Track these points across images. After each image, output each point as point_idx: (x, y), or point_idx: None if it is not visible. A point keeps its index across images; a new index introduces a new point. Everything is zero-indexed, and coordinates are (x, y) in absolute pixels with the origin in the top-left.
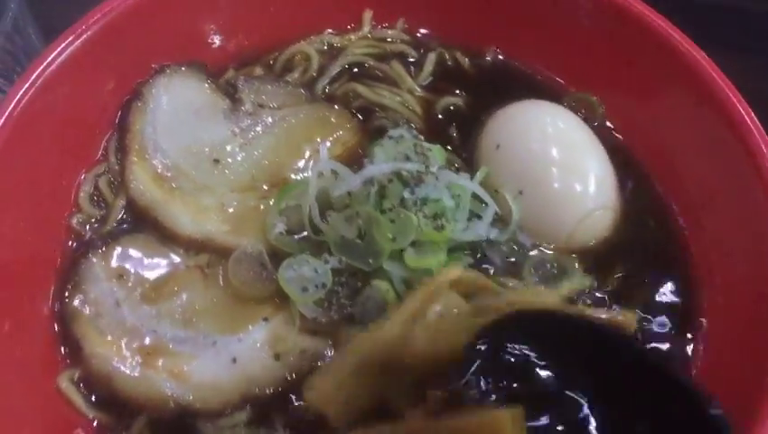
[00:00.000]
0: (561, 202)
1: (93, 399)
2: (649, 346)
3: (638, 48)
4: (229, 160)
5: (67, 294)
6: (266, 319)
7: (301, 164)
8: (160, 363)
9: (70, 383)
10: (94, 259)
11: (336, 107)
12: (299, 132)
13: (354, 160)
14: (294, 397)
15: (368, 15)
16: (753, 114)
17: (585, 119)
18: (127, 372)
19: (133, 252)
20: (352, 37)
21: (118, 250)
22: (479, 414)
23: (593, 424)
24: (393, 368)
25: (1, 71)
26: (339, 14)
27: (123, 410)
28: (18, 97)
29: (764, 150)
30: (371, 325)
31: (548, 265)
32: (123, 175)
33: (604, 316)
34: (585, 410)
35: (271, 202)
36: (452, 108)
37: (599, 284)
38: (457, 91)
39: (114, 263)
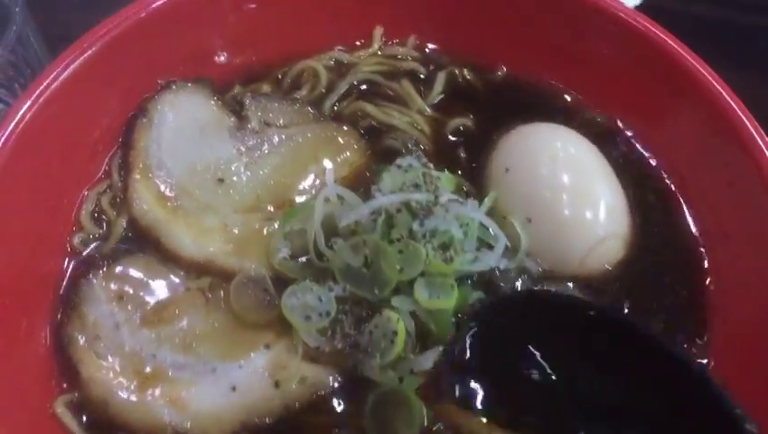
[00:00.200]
0: (571, 230)
1: (89, 425)
2: None
3: (654, 73)
4: (234, 179)
5: (65, 315)
6: (267, 346)
7: (307, 185)
8: (159, 390)
9: (66, 409)
10: (94, 280)
11: (344, 127)
12: (306, 152)
13: (361, 181)
14: (293, 428)
15: (378, 32)
16: None
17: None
18: (125, 397)
19: (134, 273)
20: (362, 54)
21: (119, 270)
22: None
23: None
24: None
25: (3, 82)
26: (348, 30)
27: None
28: (21, 113)
29: None
30: None
31: None
32: (126, 193)
33: None
34: None
35: (275, 225)
36: (461, 128)
37: None
38: (467, 111)
39: (114, 285)
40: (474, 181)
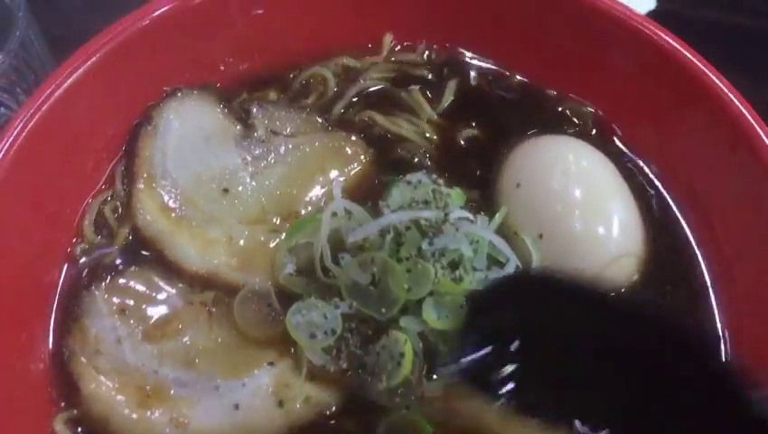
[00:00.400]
0: (583, 247)
1: None
2: None
3: (666, 81)
4: (240, 189)
5: (66, 328)
6: (271, 364)
7: (314, 196)
8: (160, 408)
9: (64, 426)
10: (96, 292)
11: (353, 137)
12: (313, 162)
13: (369, 193)
14: None
15: (387, 39)
16: None
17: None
18: (126, 415)
19: (136, 286)
20: (371, 60)
21: (122, 282)
22: None
23: None
24: None
25: (5, 87)
26: (357, 35)
27: None
28: (24, 120)
29: None
30: None
31: None
32: (129, 203)
33: None
34: None
35: (281, 238)
36: (472, 138)
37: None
38: (478, 120)
39: (116, 297)
40: (484, 193)
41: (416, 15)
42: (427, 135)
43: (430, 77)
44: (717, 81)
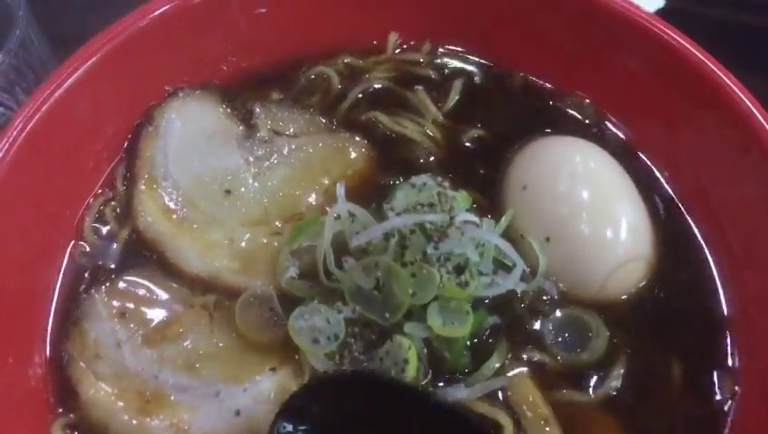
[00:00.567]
0: (591, 250)
1: None
2: None
3: (683, 88)
4: (242, 190)
5: (65, 331)
6: (273, 369)
7: (316, 198)
8: (160, 413)
9: (63, 432)
10: (96, 295)
11: (356, 137)
12: (316, 163)
13: (373, 194)
14: None
15: (393, 38)
16: None
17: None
18: (125, 421)
19: (136, 289)
20: (375, 59)
21: (122, 285)
22: None
23: None
24: None
25: (5, 86)
26: (362, 34)
27: None
28: (24, 120)
29: None
30: None
31: (569, 330)
32: (130, 205)
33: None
34: None
35: (283, 240)
36: (477, 138)
37: (628, 340)
38: (483, 121)
39: (116, 300)
40: (490, 194)
41: (420, 15)
42: (432, 136)
43: (434, 76)
44: (728, 81)
